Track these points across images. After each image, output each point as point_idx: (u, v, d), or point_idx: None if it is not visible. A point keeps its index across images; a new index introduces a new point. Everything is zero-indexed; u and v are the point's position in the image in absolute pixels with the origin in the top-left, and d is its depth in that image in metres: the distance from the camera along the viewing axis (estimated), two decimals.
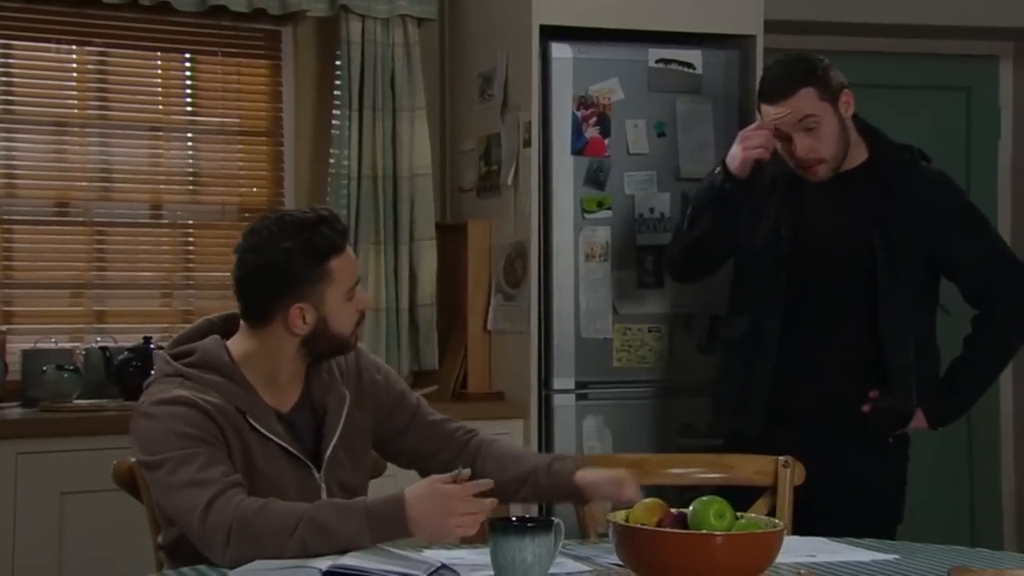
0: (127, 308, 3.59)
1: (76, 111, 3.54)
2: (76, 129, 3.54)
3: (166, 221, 3.66)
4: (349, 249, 2.04)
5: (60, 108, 3.52)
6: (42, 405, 3.20)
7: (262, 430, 1.99)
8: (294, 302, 1.99)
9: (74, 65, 3.55)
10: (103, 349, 3.41)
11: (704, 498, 1.83)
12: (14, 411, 3.16)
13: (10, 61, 3.46)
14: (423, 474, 2.20)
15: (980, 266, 2.77)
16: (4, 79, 3.45)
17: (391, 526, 1.86)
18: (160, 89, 3.66)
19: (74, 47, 3.52)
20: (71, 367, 3.32)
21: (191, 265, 3.69)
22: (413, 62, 3.65)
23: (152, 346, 3.38)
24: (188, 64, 3.68)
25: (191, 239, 3.70)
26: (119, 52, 3.57)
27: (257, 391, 2.01)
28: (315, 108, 3.71)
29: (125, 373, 3.35)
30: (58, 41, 3.49)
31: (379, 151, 3.62)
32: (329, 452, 2.06)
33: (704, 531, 1.77)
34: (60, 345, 3.40)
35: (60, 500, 2.95)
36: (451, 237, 3.69)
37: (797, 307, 2.76)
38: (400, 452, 2.22)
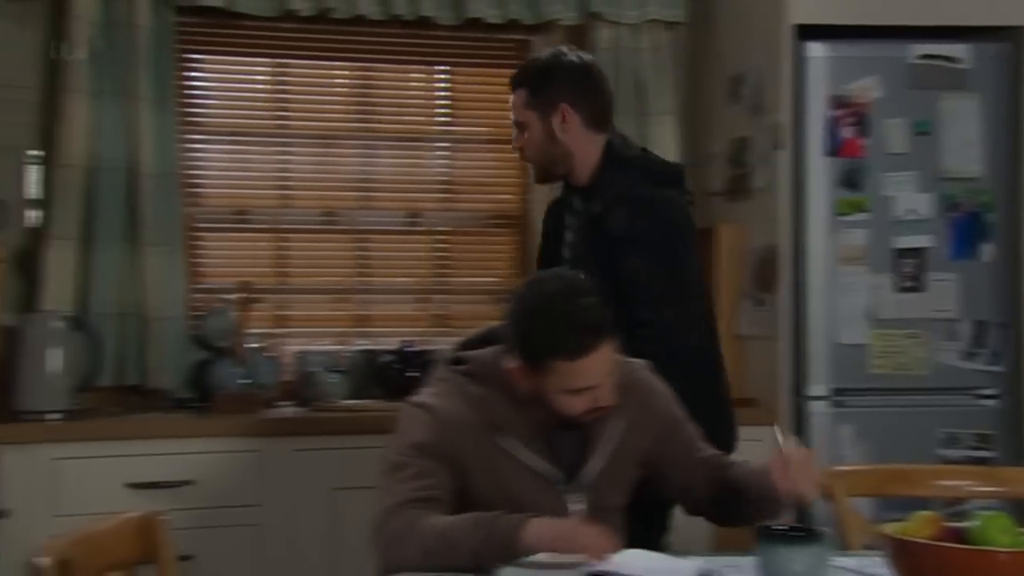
0: (389, 312, 3.76)
1: (341, 124, 3.73)
2: (341, 141, 3.73)
3: (422, 228, 3.81)
4: (587, 358, 1.94)
5: (328, 121, 3.72)
6: (314, 404, 3.39)
7: (507, 449, 2.02)
8: (517, 363, 2.00)
9: (340, 81, 3.75)
10: (367, 352, 3.58)
11: (987, 512, 1.76)
12: (289, 410, 3.37)
13: (285, 79, 3.68)
14: (685, 507, 2.20)
15: (632, 294, 2.49)
16: (280, 96, 3.67)
17: (505, 530, 1.86)
18: (418, 101, 3.81)
19: (341, 63, 3.71)
20: (339, 368, 3.51)
21: (446, 271, 3.82)
22: (662, 66, 3.66)
23: (410, 350, 3.53)
24: (445, 76, 3.81)
25: (446, 245, 3.83)
26: (380, 67, 3.73)
27: (523, 407, 2.03)
28: None
29: (387, 375, 3.51)
30: (328, 59, 3.68)
31: None
32: (591, 474, 2.06)
33: (988, 547, 1.70)
34: (328, 347, 3.59)
35: (331, 495, 3.11)
36: (699, 241, 3.66)
37: None
38: (667, 480, 2.19)
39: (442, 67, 3.81)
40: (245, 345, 3.42)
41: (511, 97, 2.65)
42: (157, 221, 3.32)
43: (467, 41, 3.71)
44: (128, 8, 3.26)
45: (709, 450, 2.20)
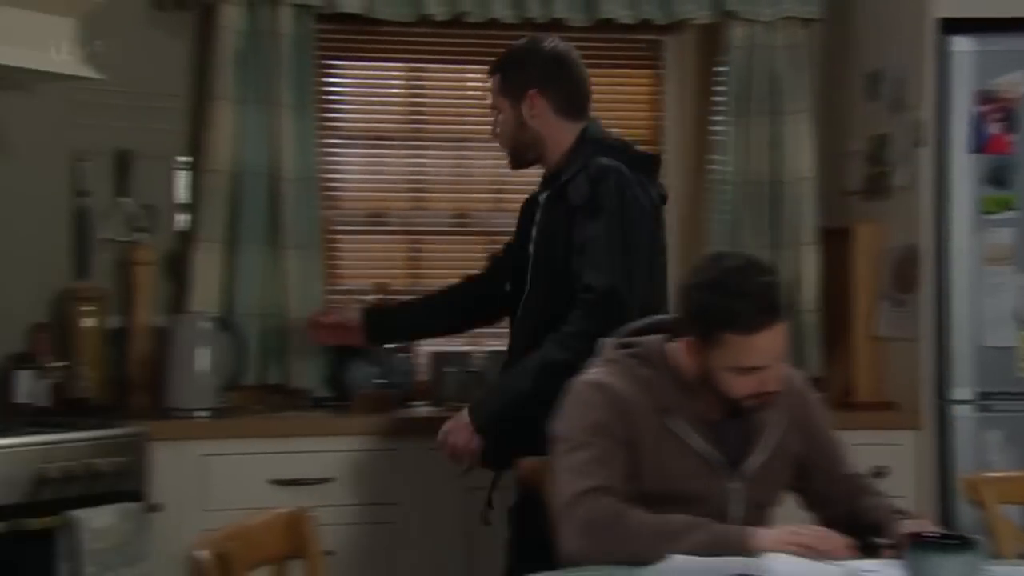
0: None
1: (474, 127, 3.75)
2: (474, 144, 3.76)
3: None
4: (760, 335, 1.95)
5: (461, 125, 3.74)
6: (448, 404, 3.43)
7: (676, 432, 2.03)
8: (689, 338, 2.01)
9: (473, 84, 3.77)
10: (498, 352, 3.59)
11: None
12: (424, 410, 3.41)
13: (420, 83, 3.73)
14: (819, 520, 2.16)
15: (577, 272, 2.54)
16: (414, 100, 3.72)
17: (731, 534, 1.86)
18: None
19: (474, 67, 3.73)
20: (472, 369, 3.54)
21: None
22: (797, 63, 3.60)
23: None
24: None
25: None
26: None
27: (688, 393, 2.04)
28: (695, 115, 3.74)
29: None
30: (461, 62, 3.73)
31: (759, 155, 3.60)
32: (754, 466, 2.06)
33: None
34: (461, 348, 3.63)
35: (466, 495, 3.13)
36: (835, 241, 3.60)
37: None
38: (810, 488, 2.18)
39: None
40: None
41: (489, 83, 2.77)
42: (297, 224, 3.40)
43: (598, 43, 3.70)
44: (271, 17, 3.35)
45: (853, 468, 2.17)
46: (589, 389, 2.05)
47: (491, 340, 3.68)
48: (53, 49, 2.78)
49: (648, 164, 2.71)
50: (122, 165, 3.34)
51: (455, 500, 3.13)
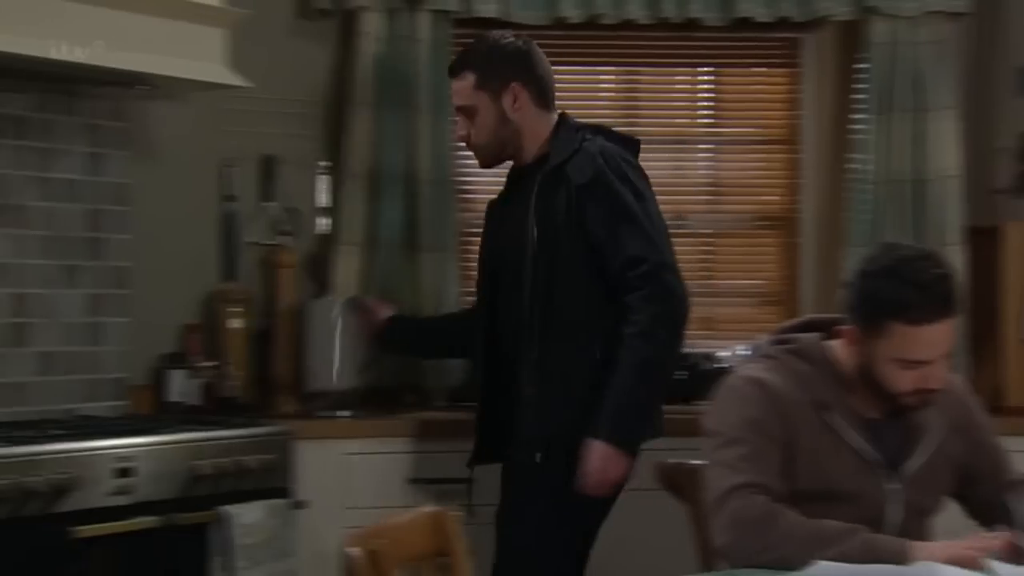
0: None
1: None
2: None
3: (687, 230, 3.79)
4: (928, 327, 1.89)
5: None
6: None
7: (835, 428, 1.99)
8: (854, 327, 1.98)
9: (606, 86, 3.79)
10: None
11: None
12: None
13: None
14: (983, 526, 2.10)
15: (610, 252, 2.52)
16: None
17: (890, 546, 1.81)
18: (683, 103, 3.80)
19: (607, 68, 3.76)
20: None
21: (711, 273, 3.78)
22: (943, 59, 3.50)
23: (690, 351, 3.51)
24: (709, 77, 3.79)
25: (711, 247, 3.80)
26: (645, 70, 3.74)
27: (847, 389, 2.01)
28: (834, 113, 3.67)
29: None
30: (594, 64, 3.74)
31: (901, 154, 3.51)
32: (913, 468, 2.02)
33: None
34: None
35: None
36: (982, 241, 3.49)
37: None
38: (974, 495, 2.13)
39: (706, 68, 3.79)
40: None
41: (452, 85, 2.71)
42: (433, 226, 3.44)
43: (734, 41, 3.67)
44: (410, 23, 3.41)
45: (1013, 473, 2.10)
46: (746, 384, 2.02)
47: None
48: (204, 59, 2.87)
49: (634, 147, 2.69)
50: (267, 170, 3.44)
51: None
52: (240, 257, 3.38)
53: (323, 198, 3.49)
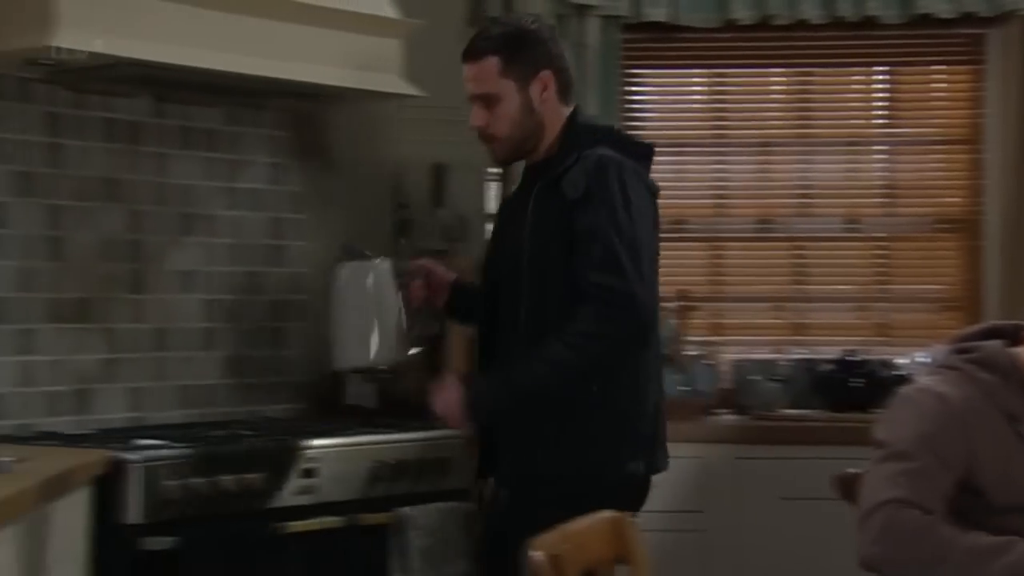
0: (826, 320, 3.67)
1: (778, 131, 3.70)
2: (778, 148, 3.70)
3: (862, 234, 3.69)
4: None
5: (765, 129, 3.70)
6: (753, 413, 3.38)
7: None
8: None
9: (777, 87, 3.72)
10: (806, 361, 3.52)
11: None
12: (728, 418, 3.38)
13: (722, 88, 3.72)
14: None
15: (580, 268, 2.24)
16: (717, 105, 3.71)
17: None
18: (857, 103, 3.70)
19: (778, 70, 3.70)
20: (777, 377, 3.47)
21: (887, 278, 3.68)
22: None
23: (852, 359, 3.43)
24: (885, 76, 3.68)
25: (887, 252, 3.69)
26: (818, 71, 3.67)
27: None
28: (1020, 111, 3.52)
29: (828, 385, 3.43)
30: (765, 66, 3.68)
31: None
32: None
33: None
34: (765, 356, 3.57)
35: (778, 505, 3.08)
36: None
37: None
38: None
39: (881, 67, 3.68)
40: (684, 353, 3.48)
41: (469, 69, 2.39)
42: None
43: (912, 39, 3.56)
44: (579, 28, 3.42)
45: None
46: (926, 398, 1.95)
47: (797, 348, 3.61)
48: (382, 70, 2.94)
49: (645, 153, 2.43)
50: (438, 177, 3.49)
51: (765, 510, 3.07)
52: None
53: (492, 204, 3.53)
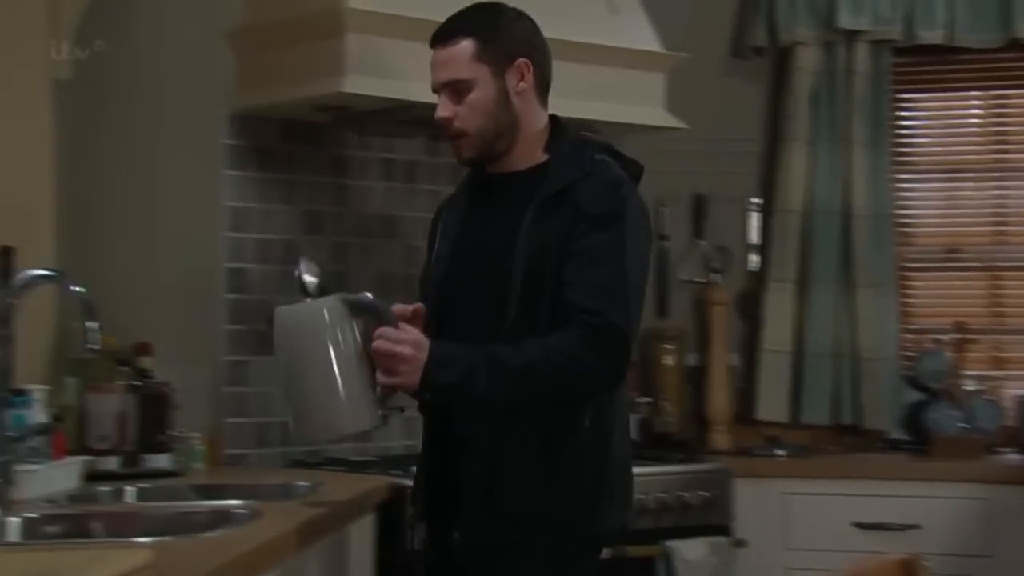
0: None
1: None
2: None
3: None
4: None
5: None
6: None
7: None
8: None
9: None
10: None
11: None
12: (1014, 457, 3.19)
13: (1002, 111, 3.54)
14: None
15: (578, 284, 2.01)
16: (997, 128, 3.54)
17: None
18: None
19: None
20: None
21: None
22: None
23: None
24: None
25: None
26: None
27: None
28: None
29: None
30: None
31: None
32: None
33: None
34: None
35: None
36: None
37: None
38: None
39: None
40: (961, 387, 3.32)
41: (439, 54, 2.11)
42: (869, 262, 3.34)
43: None
44: (847, 55, 3.34)
45: None
46: None
47: None
48: (645, 103, 2.96)
49: (639, 174, 2.16)
50: (698, 208, 3.48)
51: None
52: (672, 295, 3.44)
53: (754, 235, 3.48)
